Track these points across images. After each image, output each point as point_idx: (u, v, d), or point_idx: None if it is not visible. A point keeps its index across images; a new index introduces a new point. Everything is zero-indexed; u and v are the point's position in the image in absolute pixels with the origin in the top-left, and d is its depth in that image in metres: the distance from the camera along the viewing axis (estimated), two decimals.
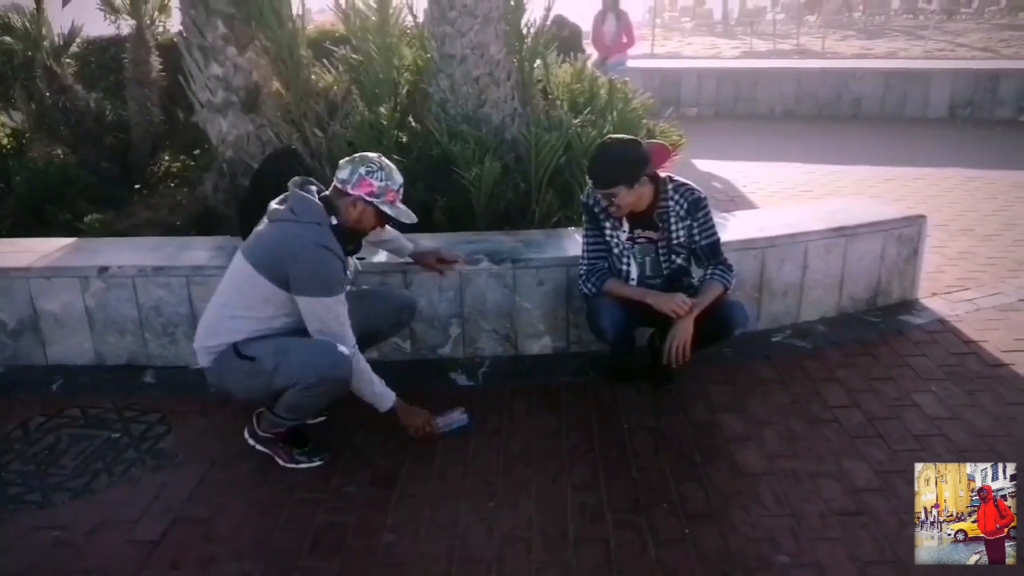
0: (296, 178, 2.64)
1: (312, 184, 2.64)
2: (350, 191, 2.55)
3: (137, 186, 4.87)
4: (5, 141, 5.10)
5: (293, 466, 2.68)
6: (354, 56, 4.46)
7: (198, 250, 3.49)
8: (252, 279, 2.51)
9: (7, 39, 5.17)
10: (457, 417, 2.87)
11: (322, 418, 2.95)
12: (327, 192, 2.61)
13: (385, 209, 2.58)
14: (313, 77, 4.34)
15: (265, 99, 4.12)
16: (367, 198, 2.55)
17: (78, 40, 5.57)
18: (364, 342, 2.77)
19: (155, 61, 5.12)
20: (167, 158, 5.18)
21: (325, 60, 4.56)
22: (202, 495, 2.56)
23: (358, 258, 2.83)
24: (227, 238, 3.63)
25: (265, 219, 2.61)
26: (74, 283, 3.33)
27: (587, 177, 2.88)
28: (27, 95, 5.12)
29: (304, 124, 4.09)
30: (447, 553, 2.26)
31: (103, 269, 3.31)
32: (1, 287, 3.35)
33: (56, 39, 5.21)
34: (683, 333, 2.83)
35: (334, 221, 2.54)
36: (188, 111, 4.77)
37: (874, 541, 2.27)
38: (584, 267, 3.03)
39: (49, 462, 2.75)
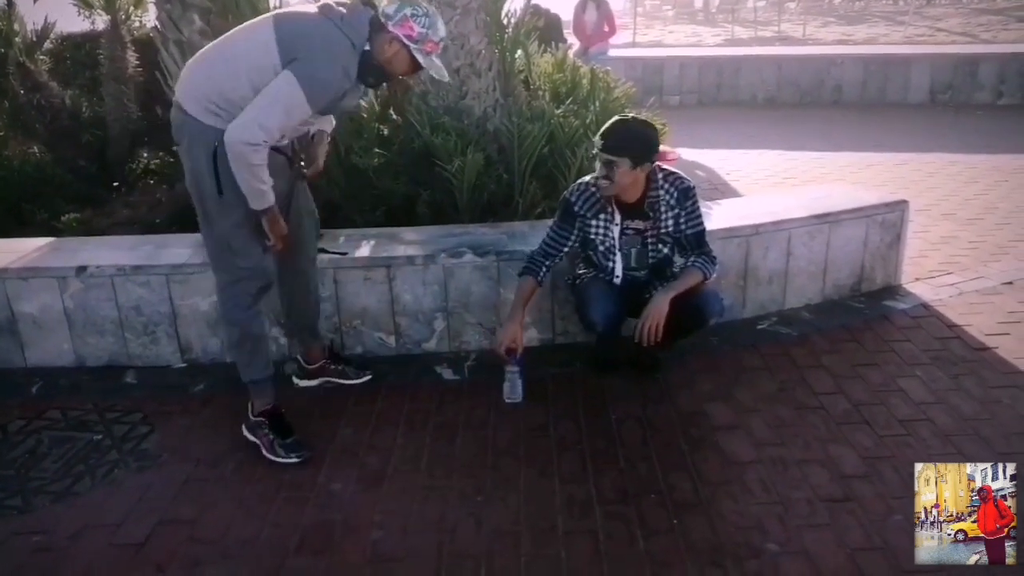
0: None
1: (373, 8, 2.52)
2: (390, 27, 2.46)
3: (115, 184, 4.81)
4: None
5: (272, 457, 2.67)
6: None
7: (178, 248, 3.44)
8: (267, 46, 2.39)
9: None
10: (515, 388, 2.96)
11: (367, 376, 3.13)
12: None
13: (419, 57, 2.49)
14: None
15: None
16: (404, 40, 2.47)
17: (52, 36, 5.46)
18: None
19: (131, 57, 5.04)
20: (145, 155, 5.11)
21: None
22: (187, 495, 2.53)
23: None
24: None
25: (315, 7, 2.50)
26: (52, 283, 3.27)
27: (596, 138, 2.83)
28: (0, 93, 5.03)
29: None
30: (436, 549, 2.25)
31: (81, 269, 3.27)
32: None
33: (29, 35, 5.12)
34: (656, 313, 2.82)
35: (367, 47, 2.48)
36: (166, 107, 4.70)
37: (861, 527, 2.27)
38: (537, 249, 3.03)
39: (30, 465, 2.71)
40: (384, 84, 2.65)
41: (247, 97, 2.40)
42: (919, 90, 9.30)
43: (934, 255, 4.38)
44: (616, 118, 2.88)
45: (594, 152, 2.89)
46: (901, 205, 3.87)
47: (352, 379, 3.14)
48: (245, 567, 2.21)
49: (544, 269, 3.01)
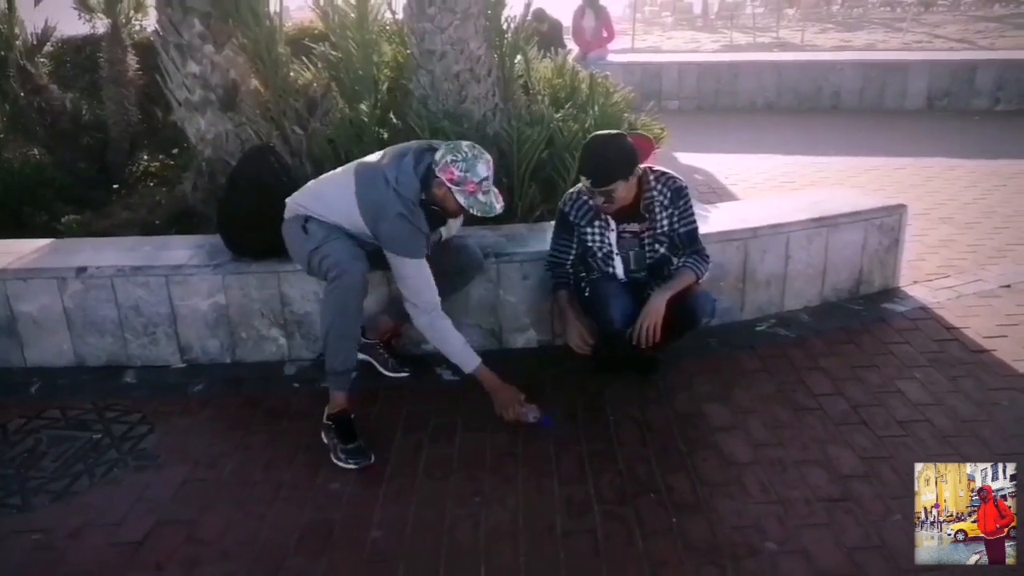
0: (420, 143, 2.85)
1: (432, 152, 2.75)
2: (437, 173, 2.69)
3: (115, 186, 4.82)
4: None
5: (336, 462, 2.66)
6: (333, 53, 4.42)
7: (177, 249, 3.45)
8: (351, 208, 2.75)
9: None
10: (536, 415, 2.87)
11: (403, 373, 3.22)
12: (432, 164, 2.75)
13: (460, 198, 2.69)
14: (292, 74, 4.30)
15: (244, 97, 4.08)
16: (448, 184, 2.68)
17: (52, 39, 5.47)
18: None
19: (132, 60, 5.05)
20: (145, 157, 5.12)
21: (304, 57, 4.52)
22: (186, 495, 2.54)
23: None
24: (206, 237, 3.60)
25: (385, 155, 2.81)
26: (52, 284, 3.28)
27: (581, 176, 2.83)
28: (1, 95, 5.04)
29: (283, 122, 4.05)
30: (434, 549, 2.25)
31: (81, 270, 3.27)
32: None
33: (29, 38, 5.13)
34: (654, 313, 2.83)
35: (423, 197, 2.74)
36: (166, 110, 4.72)
37: (859, 526, 2.28)
38: (548, 260, 3.13)
39: (29, 464, 2.71)
40: (443, 223, 2.93)
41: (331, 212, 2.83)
42: (917, 96, 9.34)
43: (932, 258, 4.39)
44: (588, 150, 2.83)
45: (581, 187, 2.92)
46: (899, 209, 3.88)
47: (387, 371, 3.23)
48: (244, 567, 2.21)
49: (570, 277, 3.09)
